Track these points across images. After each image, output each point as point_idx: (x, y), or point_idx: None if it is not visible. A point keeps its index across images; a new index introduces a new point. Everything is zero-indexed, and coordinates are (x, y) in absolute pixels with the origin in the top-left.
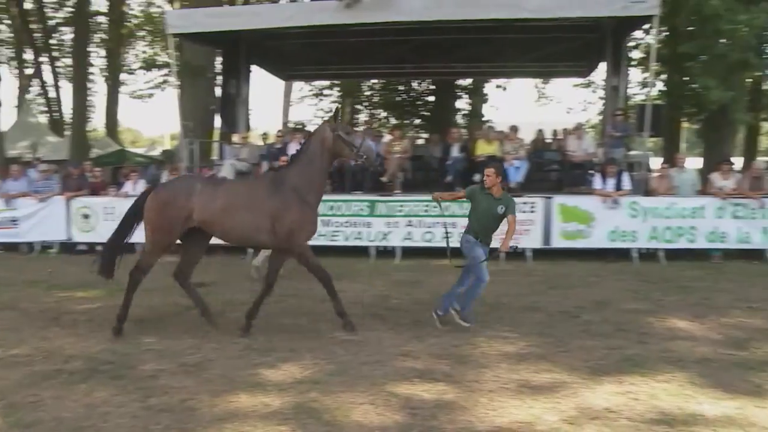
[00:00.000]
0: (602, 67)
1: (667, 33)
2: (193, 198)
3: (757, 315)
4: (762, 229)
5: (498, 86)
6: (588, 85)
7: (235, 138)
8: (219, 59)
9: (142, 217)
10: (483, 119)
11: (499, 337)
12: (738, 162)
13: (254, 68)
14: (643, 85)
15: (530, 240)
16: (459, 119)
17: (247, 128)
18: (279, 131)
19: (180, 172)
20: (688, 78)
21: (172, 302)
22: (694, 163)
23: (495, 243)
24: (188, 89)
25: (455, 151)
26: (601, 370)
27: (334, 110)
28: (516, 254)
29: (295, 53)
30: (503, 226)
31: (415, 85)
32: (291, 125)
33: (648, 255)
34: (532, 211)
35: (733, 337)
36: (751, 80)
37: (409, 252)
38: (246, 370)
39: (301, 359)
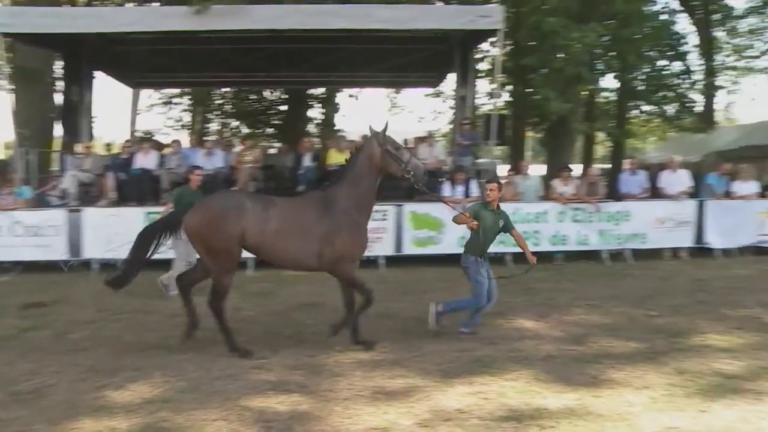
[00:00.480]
0: (451, 77)
1: (512, 46)
2: (245, 218)
3: (594, 312)
4: (598, 232)
5: (350, 96)
6: (438, 95)
7: (78, 148)
8: (60, 63)
9: (173, 233)
10: (335, 128)
11: (352, 345)
12: (577, 169)
13: (99, 74)
14: (489, 96)
15: (382, 248)
16: (311, 129)
17: (90, 137)
18: (126, 141)
19: (14, 184)
20: (531, 89)
21: (6, 324)
22: (538, 170)
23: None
24: (23, 95)
25: (307, 161)
26: (453, 373)
27: (384, 124)
28: (368, 262)
29: (142, 59)
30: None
31: (267, 94)
32: (139, 135)
33: (496, 259)
34: (383, 219)
35: (573, 334)
36: (586, 93)
37: (263, 263)
38: (90, 394)
39: (150, 378)
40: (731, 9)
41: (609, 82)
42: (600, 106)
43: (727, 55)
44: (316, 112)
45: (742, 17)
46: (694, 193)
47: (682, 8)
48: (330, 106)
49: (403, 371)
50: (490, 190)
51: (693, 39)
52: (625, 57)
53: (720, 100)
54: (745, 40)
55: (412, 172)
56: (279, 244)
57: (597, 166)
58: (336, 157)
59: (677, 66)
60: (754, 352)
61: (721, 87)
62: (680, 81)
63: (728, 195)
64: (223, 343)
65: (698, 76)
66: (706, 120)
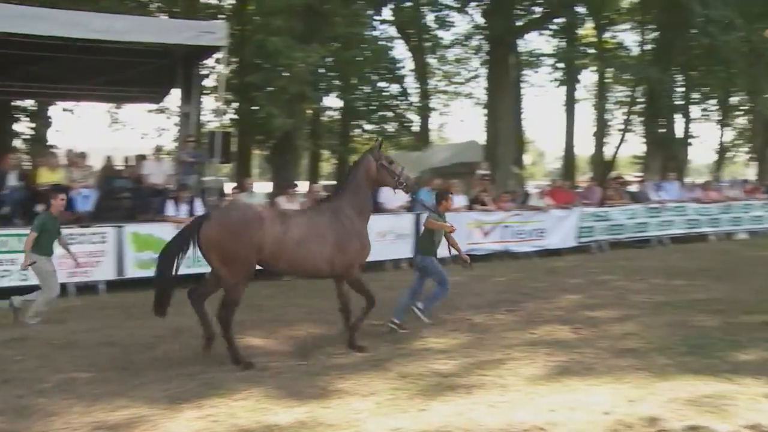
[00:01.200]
0: (176, 93)
1: (237, 64)
2: (264, 228)
3: (323, 325)
4: None
5: (65, 110)
6: (162, 111)
7: None
8: None
9: (189, 247)
10: (47, 145)
11: (70, 380)
12: (304, 186)
13: None
14: (215, 113)
15: (102, 272)
16: (19, 144)
17: None
18: None
19: None
20: (256, 107)
21: None
22: (264, 187)
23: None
24: None
25: (12, 180)
26: (181, 398)
27: (379, 142)
28: (87, 288)
29: None
30: None
31: None
32: None
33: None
34: (102, 242)
35: (303, 348)
36: (311, 111)
37: None
38: None
39: None
40: (440, 39)
41: (333, 101)
42: (325, 124)
43: (439, 80)
44: (24, 126)
45: (449, 47)
46: (411, 208)
47: (399, 35)
48: (40, 120)
49: (127, 401)
50: (447, 200)
51: (409, 64)
52: (347, 78)
53: (434, 120)
54: (453, 67)
55: (405, 184)
56: (299, 252)
57: (322, 183)
58: (48, 176)
59: (395, 88)
60: (466, 350)
61: (434, 109)
62: (398, 102)
63: None
64: (227, 354)
65: (414, 98)
66: (422, 139)
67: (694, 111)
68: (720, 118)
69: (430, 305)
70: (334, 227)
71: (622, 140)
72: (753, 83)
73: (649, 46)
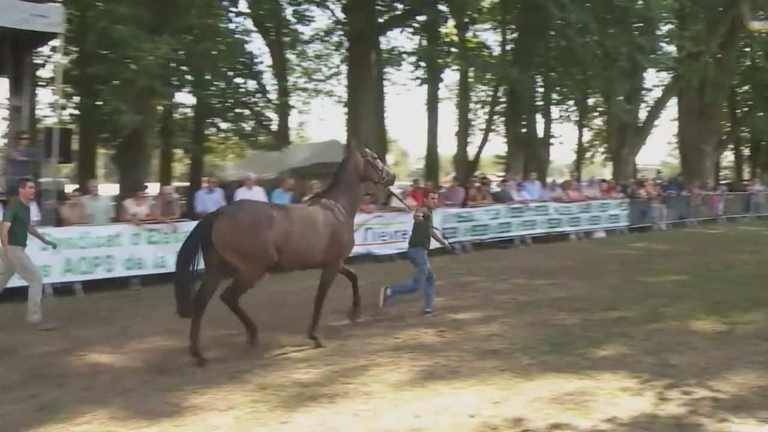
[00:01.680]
0: (3, 84)
1: (78, 53)
2: (274, 224)
3: (173, 337)
4: (175, 253)
5: None
6: None
7: None
8: None
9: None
10: None
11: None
12: (155, 187)
13: None
14: (52, 107)
15: None
16: None
17: None
18: None
19: None
20: (100, 101)
21: None
22: (110, 189)
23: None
24: None
25: None
26: (14, 426)
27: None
28: None
29: None
30: None
31: None
32: None
33: (64, 289)
34: None
35: (152, 363)
36: (162, 107)
37: None
38: None
39: None
40: (300, 34)
41: (185, 97)
42: (177, 121)
43: (299, 77)
44: None
45: (309, 42)
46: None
47: (256, 29)
48: None
49: None
50: (434, 198)
51: (267, 59)
52: (200, 72)
53: (293, 119)
54: (313, 63)
55: (386, 179)
56: (302, 245)
57: (174, 185)
58: None
59: (252, 84)
60: (328, 358)
61: (293, 107)
62: (256, 99)
63: None
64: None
65: (273, 95)
66: (281, 138)
67: (554, 112)
68: (578, 119)
69: (393, 295)
70: (329, 221)
71: (485, 140)
72: (607, 86)
73: (509, 47)
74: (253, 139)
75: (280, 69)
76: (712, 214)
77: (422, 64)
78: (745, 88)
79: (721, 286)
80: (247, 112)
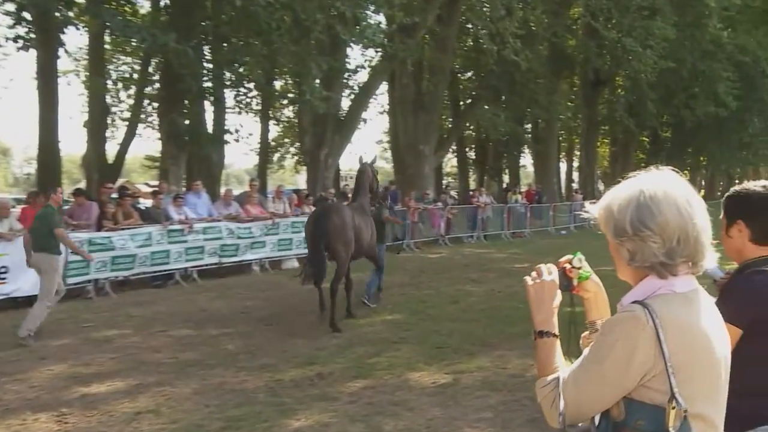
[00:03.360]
0: None
1: None
2: (355, 220)
3: None
4: None
5: None
6: None
7: None
8: None
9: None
10: None
11: None
12: None
13: None
14: None
15: None
16: None
17: None
18: None
19: None
20: None
21: None
22: None
23: None
24: None
25: None
26: None
27: (373, 157)
28: None
29: None
30: None
31: None
32: None
33: None
34: None
35: None
36: None
37: None
38: None
39: None
40: None
41: None
42: None
43: None
44: None
45: None
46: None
47: None
48: None
49: None
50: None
51: None
52: None
53: None
54: None
55: (376, 192)
56: (363, 236)
57: None
58: None
59: None
60: None
61: None
62: None
63: None
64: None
65: None
66: None
67: (229, 97)
68: (261, 108)
69: (371, 291)
70: (367, 220)
71: (130, 135)
72: (299, 64)
73: (164, 2)
74: None
75: None
76: (434, 234)
77: (25, 15)
78: (469, 74)
79: (443, 325)
80: None
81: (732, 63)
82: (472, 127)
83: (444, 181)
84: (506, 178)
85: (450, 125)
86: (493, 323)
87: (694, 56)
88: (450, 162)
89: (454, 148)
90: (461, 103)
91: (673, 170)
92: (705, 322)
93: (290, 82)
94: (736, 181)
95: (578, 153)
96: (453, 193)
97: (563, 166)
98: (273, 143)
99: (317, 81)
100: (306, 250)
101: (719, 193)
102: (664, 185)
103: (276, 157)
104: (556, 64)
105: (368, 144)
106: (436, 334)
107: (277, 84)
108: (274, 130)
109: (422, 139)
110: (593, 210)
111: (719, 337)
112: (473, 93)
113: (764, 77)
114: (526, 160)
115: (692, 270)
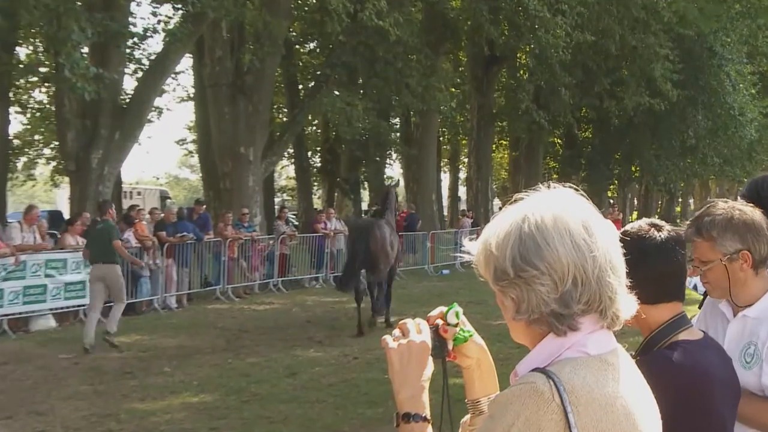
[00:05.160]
0: None
1: None
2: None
3: None
4: None
5: None
6: None
7: None
8: None
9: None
10: None
11: None
12: None
13: None
14: None
15: None
16: None
17: None
18: None
19: None
20: None
21: None
22: None
23: None
24: None
25: None
26: None
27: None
28: None
29: None
30: None
31: None
32: None
33: None
34: None
35: None
36: None
37: None
38: None
39: None
40: None
41: None
42: None
43: None
44: None
45: None
46: None
47: None
48: None
49: None
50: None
51: None
52: None
53: None
54: None
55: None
56: (392, 252)
57: None
58: None
59: None
60: None
61: None
62: None
63: None
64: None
65: None
66: None
67: None
68: None
69: (384, 306)
70: (394, 235)
71: None
72: (54, 22)
73: None
74: None
75: None
76: (258, 278)
77: None
78: (312, 45)
79: (275, 409)
80: None
81: (670, 38)
82: (316, 122)
83: (277, 199)
84: (366, 195)
85: (285, 119)
86: (346, 404)
87: (623, 27)
88: (285, 171)
89: (291, 151)
90: (301, 87)
91: (571, 187)
92: (628, 395)
93: (41, 50)
94: (679, 200)
95: (466, 160)
96: (290, 216)
97: (446, 178)
98: (17, 141)
99: (83, 50)
100: None
101: (657, 214)
102: (554, 209)
103: (22, 162)
104: (435, 33)
105: (165, 144)
106: (265, 423)
107: (22, 52)
108: (17, 122)
109: (244, 138)
110: (472, 248)
111: (647, 415)
112: (318, 73)
113: (712, 57)
114: (395, 169)
115: (605, 323)
